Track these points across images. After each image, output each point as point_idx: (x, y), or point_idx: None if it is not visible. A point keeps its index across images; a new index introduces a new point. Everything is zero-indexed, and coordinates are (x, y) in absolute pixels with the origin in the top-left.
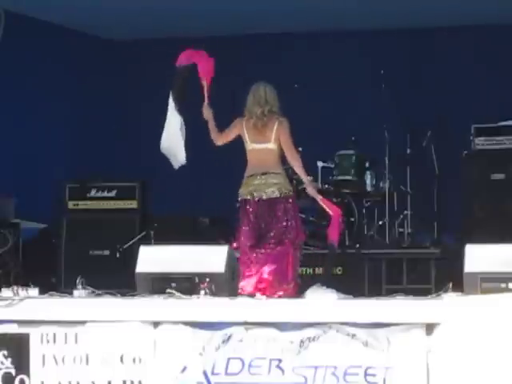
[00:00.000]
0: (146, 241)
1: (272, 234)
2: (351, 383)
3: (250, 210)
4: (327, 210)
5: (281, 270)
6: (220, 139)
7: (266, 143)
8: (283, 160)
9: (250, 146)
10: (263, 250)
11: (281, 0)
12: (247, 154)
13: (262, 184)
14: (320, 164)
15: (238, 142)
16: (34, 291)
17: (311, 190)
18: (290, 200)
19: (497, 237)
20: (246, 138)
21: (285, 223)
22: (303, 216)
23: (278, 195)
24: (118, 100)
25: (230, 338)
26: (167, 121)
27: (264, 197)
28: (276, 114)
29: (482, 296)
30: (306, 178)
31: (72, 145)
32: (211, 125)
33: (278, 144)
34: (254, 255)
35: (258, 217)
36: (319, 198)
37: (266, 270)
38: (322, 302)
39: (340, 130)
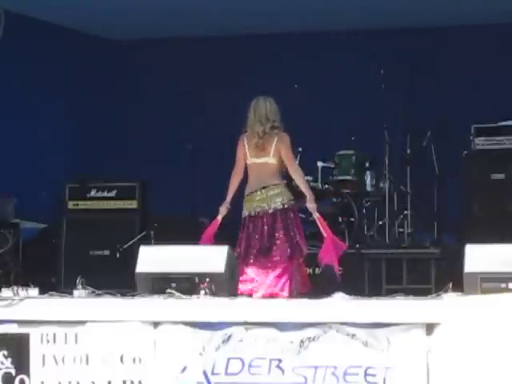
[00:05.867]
0: (146, 241)
1: (276, 247)
2: (351, 383)
3: (255, 224)
4: (321, 230)
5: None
6: (240, 172)
7: (265, 157)
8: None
9: (250, 160)
10: (265, 262)
11: (281, 0)
12: (248, 168)
13: (264, 198)
14: (320, 164)
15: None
16: (34, 291)
17: (311, 206)
18: (292, 211)
19: (497, 237)
20: (247, 153)
21: (287, 235)
22: (303, 216)
23: (281, 206)
24: (118, 100)
25: (230, 337)
26: None
27: (269, 211)
28: (277, 128)
29: (482, 296)
30: (308, 193)
31: (72, 145)
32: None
33: (278, 158)
34: (254, 263)
35: (261, 231)
36: (317, 215)
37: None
38: (322, 301)
39: (340, 130)
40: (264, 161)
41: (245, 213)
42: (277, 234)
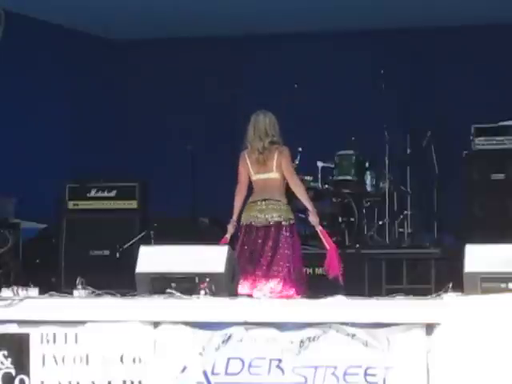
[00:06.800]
0: (146, 241)
1: (272, 260)
2: (351, 383)
3: (251, 235)
4: (324, 243)
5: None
6: (243, 190)
7: (268, 173)
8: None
9: (255, 176)
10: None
11: (281, 0)
12: (253, 183)
13: (263, 209)
14: (320, 164)
15: (239, 142)
16: (33, 291)
17: (313, 219)
18: (290, 229)
19: (497, 237)
20: (250, 170)
21: (284, 251)
22: (303, 216)
23: (276, 221)
24: (117, 100)
25: (230, 338)
26: None
27: (264, 222)
28: (276, 143)
29: (482, 296)
30: (310, 207)
31: (72, 145)
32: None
33: (281, 173)
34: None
35: (258, 242)
36: (319, 228)
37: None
38: (322, 301)
39: (340, 130)
40: (268, 176)
41: (242, 222)
42: (266, 248)
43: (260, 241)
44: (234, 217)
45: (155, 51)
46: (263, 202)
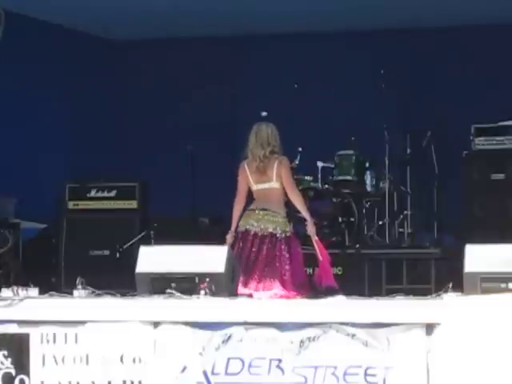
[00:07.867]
0: (146, 241)
1: (266, 273)
2: (351, 383)
3: (247, 242)
4: (317, 253)
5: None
6: (242, 201)
7: (268, 182)
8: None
9: (255, 186)
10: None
11: (281, 0)
12: (254, 194)
13: (259, 219)
14: (320, 164)
15: (239, 144)
16: (33, 291)
17: (311, 229)
18: (285, 242)
19: (497, 237)
20: (251, 181)
21: (279, 266)
22: (300, 215)
23: (271, 233)
24: (117, 100)
25: (230, 338)
26: None
27: (259, 233)
28: (276, 153)
29: (482, 296)
30: (308, 217)
31: (72, 145)
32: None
33: (280, 182)
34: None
35: (252, 250)
36: (315, 239)
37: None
38: (322, 301)
39: (340, 130)
40: (269, 186)
41: (240, 228)
42: (260, 258)
43: (254, 249)
44: (233, 227)
45: (155, 51)
46: (261, 212)
